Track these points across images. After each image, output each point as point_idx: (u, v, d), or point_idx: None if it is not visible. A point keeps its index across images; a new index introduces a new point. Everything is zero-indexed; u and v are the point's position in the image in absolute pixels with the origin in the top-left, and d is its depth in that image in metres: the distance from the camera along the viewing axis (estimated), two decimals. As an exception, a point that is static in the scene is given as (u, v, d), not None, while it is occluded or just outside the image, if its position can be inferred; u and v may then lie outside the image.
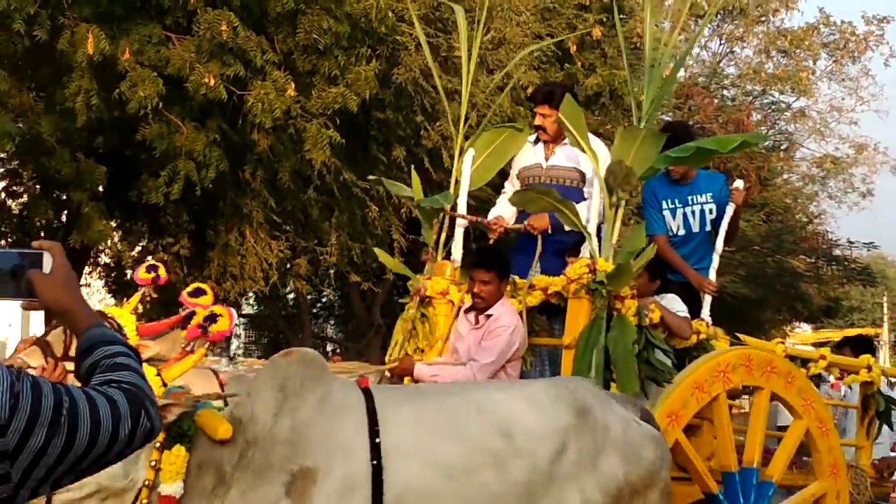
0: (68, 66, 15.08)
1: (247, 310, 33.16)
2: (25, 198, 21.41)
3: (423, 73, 19.34)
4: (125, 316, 7.28)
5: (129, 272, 25.76)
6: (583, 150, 8.53)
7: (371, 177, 11.25)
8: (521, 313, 8.19)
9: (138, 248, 23.75)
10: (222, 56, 15.19)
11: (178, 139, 15.79)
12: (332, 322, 39.44)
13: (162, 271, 7.62)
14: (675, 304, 8.34)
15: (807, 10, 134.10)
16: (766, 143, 42.87)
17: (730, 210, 9.10)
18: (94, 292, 33.56)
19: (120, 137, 17.44)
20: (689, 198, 9.19)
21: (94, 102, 14.90)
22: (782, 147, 46.52)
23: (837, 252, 45.50)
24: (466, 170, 8.92)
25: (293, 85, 14.98)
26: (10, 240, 22.22)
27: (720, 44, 46.38)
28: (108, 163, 17.79)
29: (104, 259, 26.31)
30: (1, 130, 14.72)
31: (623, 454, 6.47)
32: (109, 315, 7.12)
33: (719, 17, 44.81)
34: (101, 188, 18.56)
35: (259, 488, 5.91)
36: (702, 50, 46.25)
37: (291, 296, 31.38)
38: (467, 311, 8.44)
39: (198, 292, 7.34)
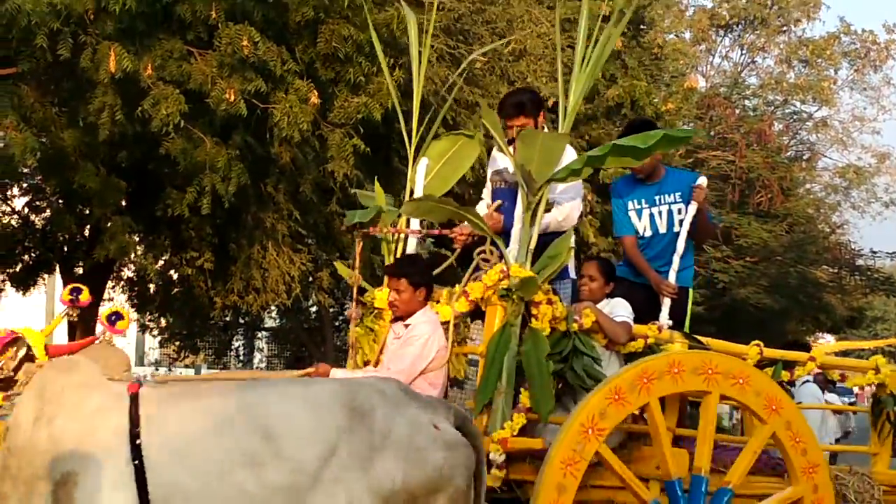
0: (91, 82, 15.14)
1: (269, 323, 33.25)
2: (48, 212, 21.50)
3: (445, 84, 19.36)
4: (35, 336, 7.24)
5: (152, 286, 25.87)
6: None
7: (354, 190, 10.84)
8: (450, 321, 8.12)
9: (161, 262, 23.80)
10: (244, 71, 15.21)
11: (200, 154, 15.82)
12: (355, 334, 39.46)
13: (84, 295, 7.74)
14: (618, 308, 8.12)
15: (828, 19, 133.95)
16: (788, 154, 42.82)
17: (691, 209, 8.79)
18: (118, 306, 33.68)
19: (143, 152, 17.49)
20: (657, 198, 8.88)
21: (117, 118, 14.96)
22: (804, 157, 46.51)
23: (860, 262, 45.45)
24: (420, 180, 8.78)
25: (316, 93, 14.99)
26: (33, 254, 22.33)
27: (741, 54, 46.42)
28: (131, 177, 17.86)
29: (127, 273, 26.39)
30: (24, 145, 14.77)
31: (404, 458, 6.28)
32: (20, 335, 7.14)
33: (740, 27, 44.82)
34: (124, 202, 18.63)
35: (29, 499, 6.02)
36: (723, 60, 46.26)
37: (314, 309, 31.42)
38: (393, 321, 8.45)
39: (117, 317, 7.54)
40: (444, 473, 6.34)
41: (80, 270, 22.71)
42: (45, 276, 24.71)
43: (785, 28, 44.80)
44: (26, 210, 22.52)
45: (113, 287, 24.77)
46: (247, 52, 14.88)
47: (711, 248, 38.89)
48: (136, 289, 26.73)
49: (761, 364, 8.35)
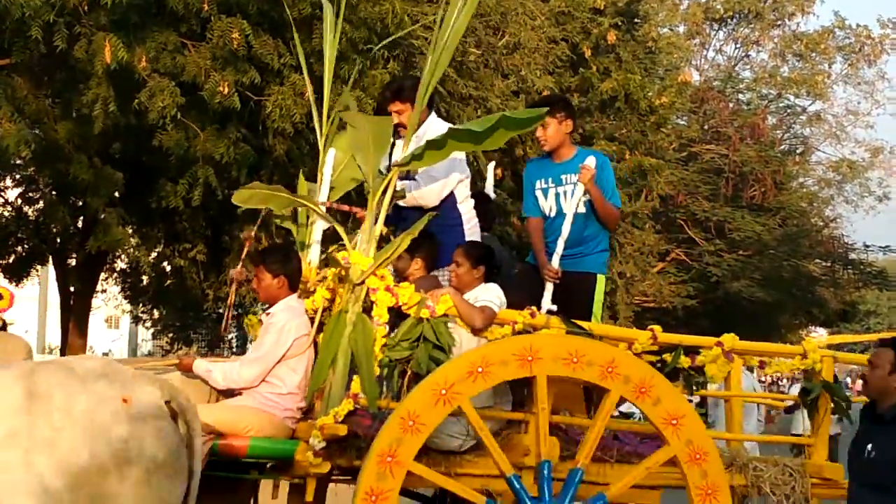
0: (85, 73, 15.14)
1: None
2: (42, 204, 21.50)
3: (439, 78, 19.38)
4: None
5: (145, 278, 25.89)
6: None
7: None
8: (318, 310, 8.02)
9: (154, 254, 23.83)
10: (237, 63, 15.23)
11: (197, 144, 15.85)
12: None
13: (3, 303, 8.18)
14: (486, 293, 7.79)
15: (822, 13, 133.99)
16: (781, 148, 42.86)
17: (577, 191, 8.41)
18: (111, 298, 33.69)
19: (137, 143, 17.50)
20: (563, 177, 8.50)
21: (111, 110, 14.96)
22: (798, 151, 46.60)
23: (853, 256, 45.58)
24: (328, 171, 8.60)
25: (311, 87, 15.04)
26: (26, 246, 22.33)
27: (736, 48, 46.49)
28: (125, 169, 17.85)
29: (120, 265, 26.41)
30: (17, 137, 14.77)
31: (89, 434, 6.25)
32: None
33: (735, 20, 44.88)
34: (117, 194, 18.62)
35: None
36: (717, 54, 46.32)
37: (308, 301, 31.44)
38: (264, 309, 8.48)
39: None
40: (131, 446, 6.30)
41: (73, 262, 22.73)
42: (39, 267, 24.73)
43: (779, 22, 44.89)
44: (19, 201, 22.52)
45: (106, 279, 24.83)
46: (237, 45, 14.90)
47: (705, 241, 39.01)
48: (129, 280, 26.77)
49: (661, 350, 7.93)
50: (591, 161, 8.40)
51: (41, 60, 15.91)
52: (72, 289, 22.57)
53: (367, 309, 7.53)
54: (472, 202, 8.63)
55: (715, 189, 39.48)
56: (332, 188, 8.47)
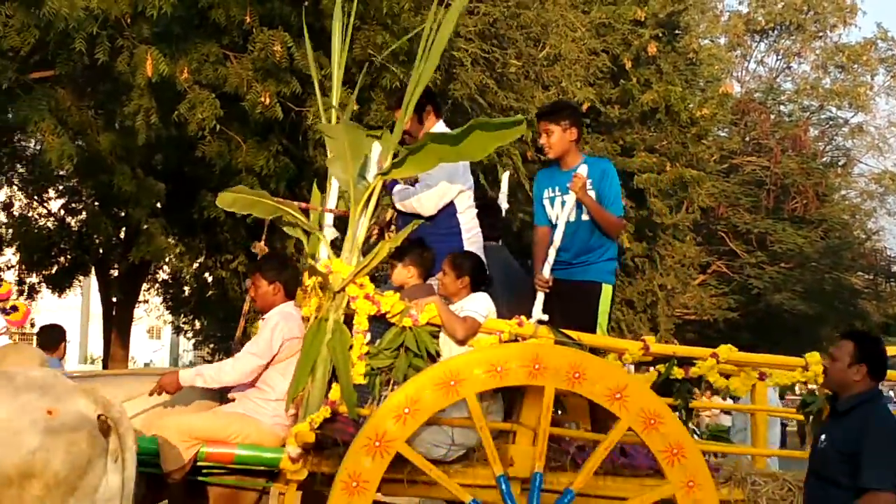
0: (127, 85, 15.23)
1: (303, 326, 33.27)
2: (84, 215, 21.64)
3: (479, 89, 19.38)
4: None
5: (187, 288, 26.01)
6: None
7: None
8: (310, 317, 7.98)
9: (196, 265, 23.93)
10: (279, 74, 15.29)
11: (238, 156, 15.92)
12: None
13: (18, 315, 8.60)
14: (471, 303, 7.70)
15: (864, 25, 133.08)
16: (823, 160, 42.62)
17: (569, 200, 8.24)
18: (153, 308, 33.84)
19: (178, 154, 17.60)
20: (568, 185, 8.29)
21: (153, 121, 15.06)
22: (840, 163, 46.34)
23: (896, 269, 45.24)
24: (335, 183, 8.57)
25: (354, 99, 15.08)
26: (69, 256, 22.49)
27: (777, 59, 46.32)
28: (167, 180, 17.96)
29: (162, 275, 26.54)
30: (61, 149, 14.88)
31: (2, 442, 6.39)
32: None
33: (776, 32, 44.73)
34: (159, 205, 18.74)
35: None
36: (759, 65, 46.17)
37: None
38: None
39: (12, 308, 8.25)
40: (37, 457, 6.38)
41: (115, 273, 22.86)
42: (81, 277, 24.89)
43: (821, 33, 44.71)
44: (62, 212, 22.69)
45: (148, 289, 24.96)
46: (279, 57, 14.95)
47: (746, 253, 38.85)
48: (170, 291, 26.88)
49: (655, 361, 7.89)
50: (582, 169, 8.22)
51: (84, 72, 16.02)
52: (114, 299, 22.70)
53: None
54: (473, 212, 8.54)
55: (756, 201, 39.32)
56: (339, 196, 8.31)
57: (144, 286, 23.73)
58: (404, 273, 8.09)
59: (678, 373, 7.69)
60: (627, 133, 26.99)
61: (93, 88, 16.73)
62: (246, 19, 14.91)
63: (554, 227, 8.33)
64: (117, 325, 22.35)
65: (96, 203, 20.31)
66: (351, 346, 7.47)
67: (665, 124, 26.56)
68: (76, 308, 37.31)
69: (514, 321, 7.62)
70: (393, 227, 8.79)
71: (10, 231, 22.41)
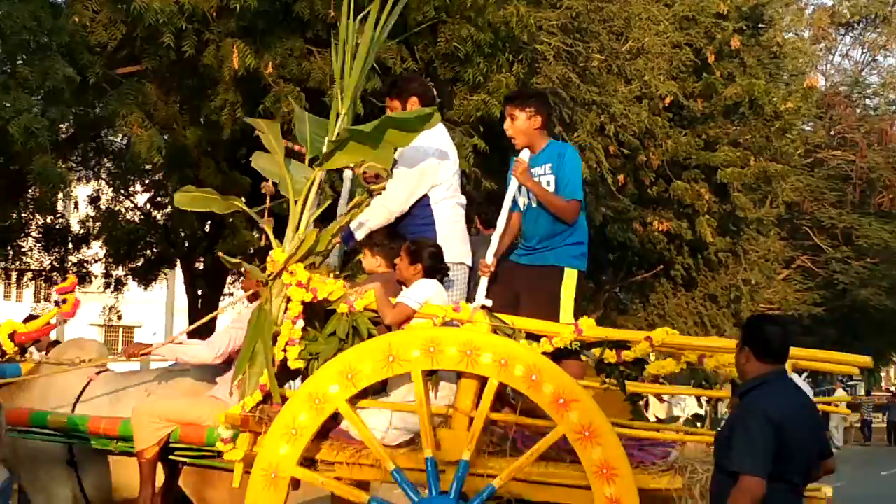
0: (213, 79, 15.39)
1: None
2: (171, 208, 21.84)
3: (562, 83, 19.35)
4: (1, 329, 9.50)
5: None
6: None
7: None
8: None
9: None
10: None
11: (322, 149, 16.04)
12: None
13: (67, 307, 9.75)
14: (412, 290, 7.80)
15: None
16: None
17: (511, 185, 8.30)
18: (239, 302, 34.09)
19: (264, 148, 17.70)
20: (533, 170, 8.24)
21: (238, 115, 15.19)
22: (927, 156, 45.67)
23: None
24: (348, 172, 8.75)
25: (436, 91, 15.14)
26: (155, 250, 22.72)
27: (862, 52, 45.77)
28: (252, 173, 18.08)
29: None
30: (148, 142, 15.06)
31: None
32: None
33: (861, 25, 44.23)
34: (245, 199, 18.87)
35: None
36: (844, 59, 45.67)
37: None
38: None
39: (64, 301, 9.59)
40: None
41: (200, 266, 23.06)
42: (167, 271, 25.13)
43: (907, 26, 44.12)
44: (148, 206, 22.92)
45: (233, 282, 25.12)
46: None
47: (831, 248, 38.48)
48: (256, 284, 27.04)
49: (589, 345, 7.61)
50: (524, 154, 8.23)
51: (171, 67, 16.20)
52: (199, 292, 22.89)
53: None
54: (452, 203, 8.57)
55: (841, 195, 38.94)
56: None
57: (230, 279, 23.88)
58: (373, 262, 8.28)
59: (610, 356, 7.49)
60: (711, 127, 26.79)
61: (179, 83, 16.90)
62: (330, 13, 15.00)
63: (523, 213, 8.37)
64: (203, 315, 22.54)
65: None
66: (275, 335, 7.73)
67: (749, 118, 26.34)
68: (161, 301, 37.62)
69: (451, 306, 7.66)
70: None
71: (98, 225, 22.68)
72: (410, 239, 8.09)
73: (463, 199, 8.67)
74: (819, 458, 6.66)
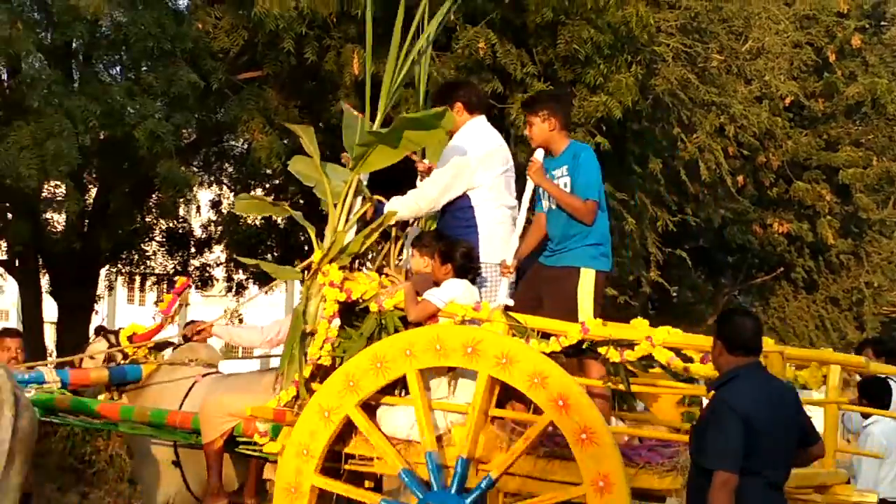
0: (333, 84, 15.51)
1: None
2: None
3: (681, 84, 19.21)
4: (123, 332, 10.27)
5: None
6: None
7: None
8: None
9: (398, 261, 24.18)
10: (481, 73, 15.39)
11: (442, 152, 16.12)
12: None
13: (163, 305, 10.61)
14: (440, 289, 8.00)
15: None
16: None
17: (528, 186, 8.41)
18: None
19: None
20: (552, 172, 8.35)
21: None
22: None
23: None
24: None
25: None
26: (275, 254, 22.95)
27: None
28: (373, 178, 18.21)
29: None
30: (269, 148, 15.22)
31: None
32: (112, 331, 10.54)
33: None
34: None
35: None
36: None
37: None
38: None
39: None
40: None
41: (319, 269, 23.23)
42: (287, 274, 25.34)
43: None
44: (269, 210, 23.13)
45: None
46: (483, 55, 15.04)
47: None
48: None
49: (595, 344, 7.60)
50: (538, 154, 8.36)
51: (291, 72, 16.35)
52: (318, 295, 23.04)
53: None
54: (495, 205, 8.64)
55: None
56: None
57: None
58: (420, 262, 8.39)
59: (614, 355, 7.45)
60: (832, 127, 26.44)
61: (299, 88, 17.05)
62: (450, 17, 15.04)
63: (546, 214, 8.46)
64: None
65: (302, 201, 20.69)
66: (312, 333, 8.09)
67: (871, 118, 25.96)
68: (281, 304, 38.06)
69: (471, 305, 7.80)
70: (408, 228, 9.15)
71: (219, 229, 22.98)
72: (445, 240, 8.29)
73: (511, 201, 8.72)
74: (802, 446, 6.64)
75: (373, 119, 8.94)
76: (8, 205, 18.46)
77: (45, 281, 20.67)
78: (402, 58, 8.96)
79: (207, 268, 23.87)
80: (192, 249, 23.16)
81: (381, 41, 15.41)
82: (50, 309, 20.07)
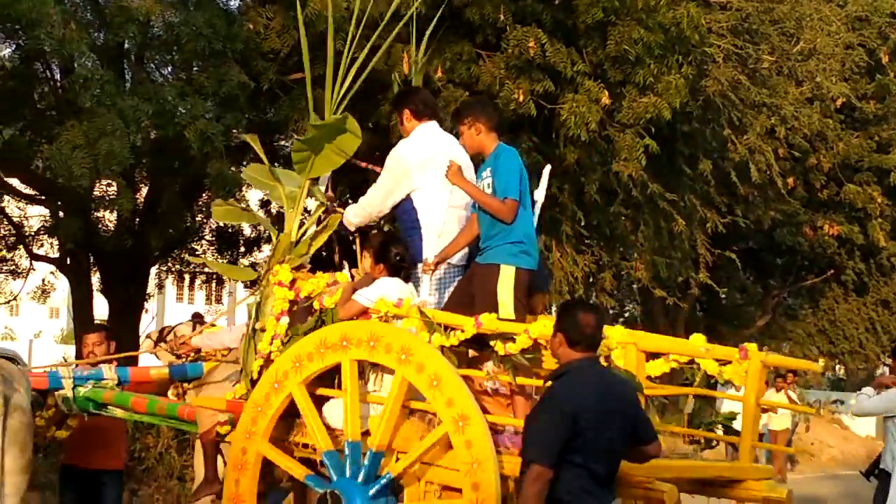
0: (382, 84, 15.55)
1: (550, 324, 33.40)
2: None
3: (732, 85, 19.15)
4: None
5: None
6: None
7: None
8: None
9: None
10: (531, 72, 15.40)
11: (490, 154, 16.14)
12: (634, 337, 39.31)
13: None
14: (372, 288, 8.21)
15: None
16: None
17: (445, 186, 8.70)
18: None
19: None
20: (482, 174, 8.57)
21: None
22: None
23: None
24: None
25: (606, 93, 14.93)
26: (324, 253, 23.01)
27: None
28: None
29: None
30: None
31: None
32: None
33: None
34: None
35: None
36: None
37: (594, 310, 31.43)
38: None
39: None
40: None
41: (367, 268, 23.32)
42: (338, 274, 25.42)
43: None
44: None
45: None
46: (533, 54, 15.04)
47: None
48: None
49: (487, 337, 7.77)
50: (454, 158, 8.54)
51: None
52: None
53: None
54: (442, 206, 8.74)
55: None
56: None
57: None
58: (368, 262, 8.63)
59: (500, 348, 7.52)
60: (884, 129, 26.31)
61: (348, 88, 17.08)
62: (500, 17, 15.06)
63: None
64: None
65: (350, 201, 20.76)
66: (263, 329, 8.44)
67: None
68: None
69: (392, 302, 7.99)
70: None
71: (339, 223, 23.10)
72: (382, 241, 8.59)
73: (459, 201, 8.78)
74: (636, 444, 6.63)
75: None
76: (60, 203, 18.62)
77: (95, 279, 20.83)
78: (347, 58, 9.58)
79: (256, 266, 23.98)
80: (242, 249, 23.26)
81: (431, 40, 15.53)
82: (100, 307, 20.22)
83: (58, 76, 16.81)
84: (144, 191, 19.71)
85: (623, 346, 7.32)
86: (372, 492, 7.56)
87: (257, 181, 9.43)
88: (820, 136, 23.21)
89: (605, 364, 7.08)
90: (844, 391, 43.45)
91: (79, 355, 11.76)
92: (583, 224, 19.59)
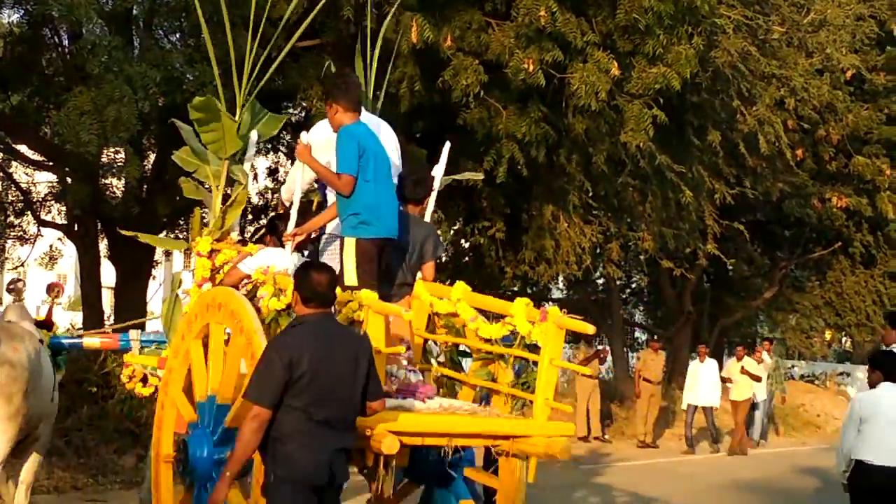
0: (391, 53, 15.49)
1: (556, 294, 33.38)
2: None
3: (741, 56, 19.06)
4: None
5: (443, 255, 26.30)
6: None
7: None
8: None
9: (453, 231, 24.20)
10: (541, 41, 15.32)
11: (498, 122, 16.06)
12: (640, 308, 39.33)
13: None
14: (256, 257, 8.81)
15: None
16: None
17: (297, 165, 9.22)
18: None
19: (439, 122, 17.82)
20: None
21: (416, 88, 15.29)
22: None
23: None
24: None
25: (616, 64, 14.80)
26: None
27: None
28: (428, 146, 18.22)
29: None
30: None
31: None
32: None
33: None
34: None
35: None
36: None
37: (601, 281, 31.43)
38: None
39: None
40: None
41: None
42: (343, 242, 25.36)
43: None
44: (326, 178, 23.17)
45: (404, 254, 25.38)
46: (544, 23, 14.97)
47: None
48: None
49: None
50: (303, 136, 8.99)
51: (349, 40, 16.35)
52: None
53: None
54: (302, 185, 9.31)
55: None
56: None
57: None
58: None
59: (275, 304, 8.13)
60: (894, 101, 26.22)
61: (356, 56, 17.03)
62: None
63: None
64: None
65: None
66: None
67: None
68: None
69: (260, 270, 8.54)
70: None
71: (276, 196, 23.05)
72: (271, 217, 9.65)
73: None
74: (365, 399, 7.11)
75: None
76: (67, 169, 18.60)
77: (103, 246, 20.83)
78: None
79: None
80: (250, 216, 23.25)
81: (441, 9, 15.47)
82: (108, 273, 20.22)
83: (66, 42, 16.80)
84: (152, 158, 19.69)
85: (457, 302, 8.87)
86: (216, 439, 8.05)
87: (185, 161, 9.76)
88: (829, 108, 23.11)
89: (341, 322, 7.63)
90: (851, 363, 43.39)
91: (86, 321, 11.80)
92: (590, 194, 19.55)
